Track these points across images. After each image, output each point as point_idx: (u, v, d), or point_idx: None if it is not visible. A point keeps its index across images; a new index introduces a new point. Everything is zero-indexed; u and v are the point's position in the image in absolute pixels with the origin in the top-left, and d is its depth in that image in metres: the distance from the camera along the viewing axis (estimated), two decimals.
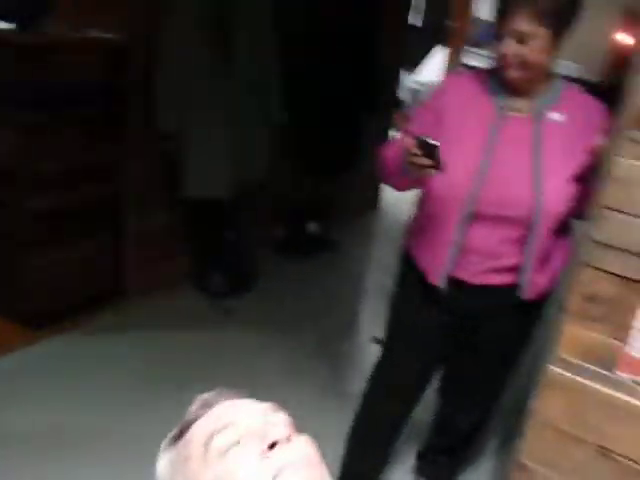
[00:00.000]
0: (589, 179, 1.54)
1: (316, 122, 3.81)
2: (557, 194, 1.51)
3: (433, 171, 1.45)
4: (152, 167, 3.22)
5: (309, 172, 4.04)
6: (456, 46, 7.17)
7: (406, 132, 1.65)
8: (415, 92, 6.70)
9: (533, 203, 1.51)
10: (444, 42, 6.94)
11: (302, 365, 3.01)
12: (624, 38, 6.68)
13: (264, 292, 3.68)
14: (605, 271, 1.41)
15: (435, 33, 6.82)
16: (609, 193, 1.36)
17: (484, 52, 7.55)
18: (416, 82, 6.84)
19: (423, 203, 1.69)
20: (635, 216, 1.35)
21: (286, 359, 3.04)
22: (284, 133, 3.56)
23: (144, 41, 2.97)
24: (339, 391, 2.82)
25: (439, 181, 1.54)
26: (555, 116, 1.54)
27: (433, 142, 1.43)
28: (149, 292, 3.33)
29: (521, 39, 1.46)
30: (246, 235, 3.68)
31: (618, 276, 1.40)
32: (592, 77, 6.59)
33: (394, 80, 5.09)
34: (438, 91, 1.65)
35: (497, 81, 1.59)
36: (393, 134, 5.51)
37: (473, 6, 7.10)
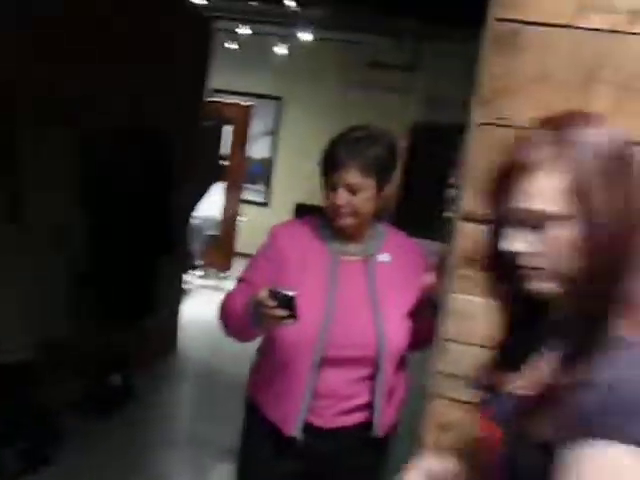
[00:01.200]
0: (421, 314, 1.67)
1: (112, 270, 3.66)
2: (397, 332, 1.61)
3: (290, 321, 1.46)
4: None
5: (107, 322, 3.81)
6: (233, 182, 7.51)
7: (248, 284, 1.65)
8: (196, 227, 6.79)
9: (377, 343, 1.59)
10: (222, 179, 7.23)
11: None
12: None
13: (67, 461, 3.27)
14: (453, 399, 1.50)
15: (213, 171, 7.07)
16: (447, 326, 1.48)
17: (258, 187, 8.05)
18: (196, 217, 6.95)
19: (269, 351, 1.68)
20: (469, 344, 1.48)
21: None
22: (82, 284, 3.35)
23: None
24: None
25: (288, 329, 1.55)
26: (384, 257, 1.67)
27: (289, 292, 1.45)
28: None
29: (352, 190, 1.59)
30: (44, 398, 3.29)
31: (465, 402, 1.50)
32: None
33: (187, 222, 5.12)
34: (272, 241, 1.69)
35: (328, 228, 1.68)
36: (186, 276, 5.48)
37: (247, 147, 7.56)
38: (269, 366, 1.67)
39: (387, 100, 7.13)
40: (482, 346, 1.47)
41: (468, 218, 1.45)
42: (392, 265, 1.67)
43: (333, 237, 1.68)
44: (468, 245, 1.45)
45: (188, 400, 4.52)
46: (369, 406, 1.64)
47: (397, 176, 1.72)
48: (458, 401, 1.50)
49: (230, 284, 1.85)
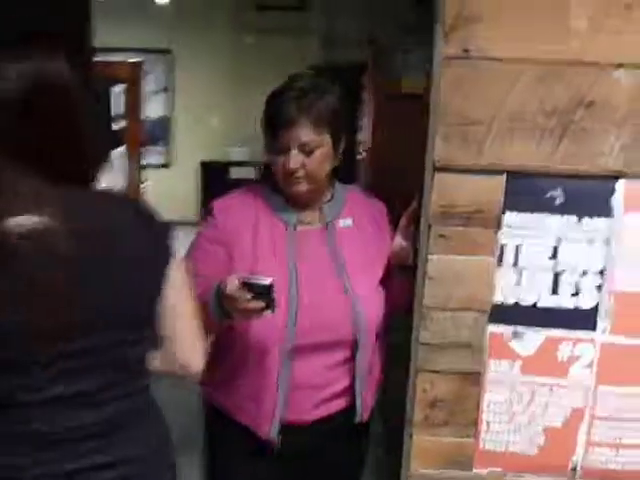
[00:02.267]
0: (392, 278, 1.49)
1: None
2: (372, 304, 1.42)
3: (269, 311, 1.26)
4: None
5: None
6: (132, 146, 7.02)
7: (202, 278, 1.37)
8: None
9: (353, 320, 1.40)
10: (120, 144, 6.74)
11: None
12: None
13: None
14: (440, 371, 1.35)
15: (107, 137, 6.57)
16: (428, 292, 1.32)
17: (159, 148, 7.59)
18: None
19: (228, 346, 1.45)
20: (454, 310, 1.33)
21: None
22: None
23: None
24: None
25: (250, 322, 1.34)
26: (345, 222, 1.47)
27: (264, 281, 1.24)
28: None
29: (306, 151, 1.36)
30: None
31: (454, 373, 1.35)
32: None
33: None
34: (215, 220, 1.44)
35: (278, 196, 1.46)
36: None
37: (142, 107, 7.06)
38: (230, 363, 1.44)
39: (281, 44, 6.80)
40: (467, 309, 1.32)
41: (441, 168, 1.27)
42: (355, 230, 1.48)
43: (285, 206, 1.45)
44: (443, 199, 1.28)
45: None
46: (348, 391, 1.47)
47: None
48: (446, 373, 1.35)
49: None
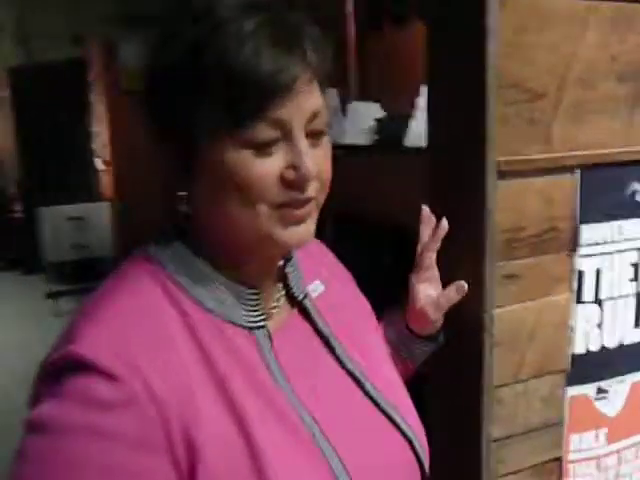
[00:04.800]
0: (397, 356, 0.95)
1: None
2: (416, 418, 0.81)
3: None
4: None
5: None
6: None
7: None
8: None
9: (406, 443, 0.76)
10: None
11: None
12: None
13: None
14: (518, 472, 0.90)
15: None
16: (497, 364, 0.85)
17: None
18: None
19: None
20: (526, 381, 0.88)
21: None
22: None
23: None
24: None
25: None
26: (317, 288, 0.79)
27: None
28: None
29: (316, 133, 0.63)
30: None
31: (531, 467, 0.92)
32: None
33: None
34: (125, 398, 0.55)
35: (218, 275, 0.65)
36: None
37: None
38: None
39: None
40: (541, 375, 0.89)
41: (506, 172, 0.80)
42: (330, 296, 0.82)
43: (238, 293, 0.66)
44: (509, 220, 0.82)
45: None
46: None
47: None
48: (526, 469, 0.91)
49: None
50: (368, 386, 0.73)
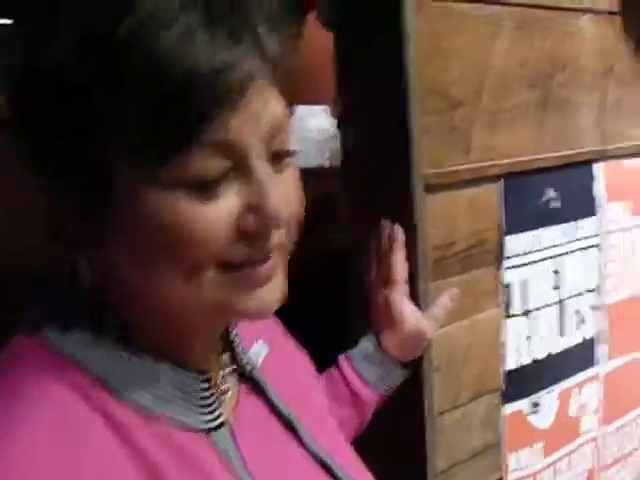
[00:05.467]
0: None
1: None
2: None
3: None
4: None
5: None
6: None
7: None
8: None
9: None
10: None
11: None
12: None
13: None
14: None
15: None
16: (437, 391, 0.79)
17: None
18: None
19: None
20: (465, 404, 0.83)
21: None
22: None
23: None
24: None
25: None
26: (261, 350, 0.62)
27: None
28: None
29: (281, 155, 0.44)
30: None
31: None
32: None
33: None
34: None
35: (145, 360, 0.38)
36: None
37: None
38: None
39: None
40: (478, 396, 0.85)
41: (434, 186, 0.75)
42: (275, 360, 0.65)
43: (177, 377, 0.47)
44: (439, 236, 0.76)
45: None
46: None
47: None
48: None
49: None
50: (336, 470, 0.60)
